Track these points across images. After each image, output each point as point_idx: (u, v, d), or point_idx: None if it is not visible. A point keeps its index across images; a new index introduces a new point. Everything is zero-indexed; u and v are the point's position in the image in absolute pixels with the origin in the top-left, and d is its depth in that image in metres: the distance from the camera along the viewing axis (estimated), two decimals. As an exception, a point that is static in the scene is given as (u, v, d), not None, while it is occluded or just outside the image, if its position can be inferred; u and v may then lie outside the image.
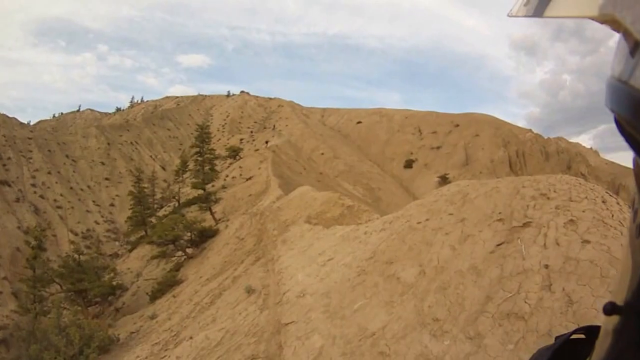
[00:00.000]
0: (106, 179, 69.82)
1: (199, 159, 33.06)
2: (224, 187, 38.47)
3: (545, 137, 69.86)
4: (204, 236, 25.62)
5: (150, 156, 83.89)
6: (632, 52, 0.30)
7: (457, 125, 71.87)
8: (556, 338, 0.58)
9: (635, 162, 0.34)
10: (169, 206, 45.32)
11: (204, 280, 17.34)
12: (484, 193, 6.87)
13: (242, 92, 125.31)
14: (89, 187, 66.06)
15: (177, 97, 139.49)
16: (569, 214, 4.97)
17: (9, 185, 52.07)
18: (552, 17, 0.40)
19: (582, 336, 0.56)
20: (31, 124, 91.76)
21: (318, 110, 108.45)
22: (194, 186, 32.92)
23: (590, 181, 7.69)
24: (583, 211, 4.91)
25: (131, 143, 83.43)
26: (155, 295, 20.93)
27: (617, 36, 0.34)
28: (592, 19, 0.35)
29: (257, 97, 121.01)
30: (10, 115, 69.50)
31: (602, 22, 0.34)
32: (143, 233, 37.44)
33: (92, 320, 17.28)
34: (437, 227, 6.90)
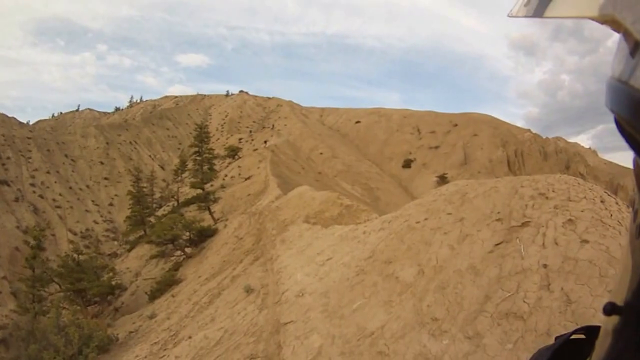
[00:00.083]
0: (105, 178, 69.75)
1: (198, 158, 33.04)
2: (222, 186, 38.45)
3: (544, 137, 69.91)
4: (203, 236, 25.61)
5: (149, 156, 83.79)
6: (632, 53, 0.30)
7: (456, 125, 71.89)
8: (556, 338, 0.58)
9: (635, 163, 0.34)
10: (168, 206, 45.26)
11: (203, 280, 17.33)
12: (483, 193, 6.87)
13: (241, 91, 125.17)
14: (87, 186, 65.96)
15: (176, 96, 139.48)
16: (568, 213, 4.98)
17: (8, 185, 51.97)
18: (553, 18, 0.40)
19: (582, 336, 0.56)
20: (30, 123, 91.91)
21: (317, 109, 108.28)
22: (193, 186, 32.90)
23: (589, 181, 7.70)
24: (582, 211, 4.92)
25: (130, 143, 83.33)
26: (154, 294, 20.91)
27: (616, 36, 0.34)
28: (593, 19, 0.34)
29: (256, 96, 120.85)
30: (10, 115, 69.53)
31: (602, 23, 0.34)
32: (142, 233, 37.38)
33: (91, 319, 17.24)
34: (436, 227, 6.91)
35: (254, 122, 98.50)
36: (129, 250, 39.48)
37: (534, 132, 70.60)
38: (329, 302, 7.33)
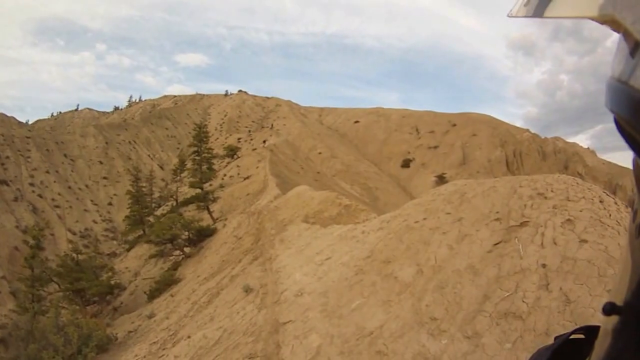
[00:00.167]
0: (104, 178, 69.67)
1: (197, 158, 33.00)
2: (221, 186, 38.42)
3: (543, 137, 70.10)
4: (202, 235, 25.60)
5: (148, 155, 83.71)
6: (632, 53, 0.30)
7: (455, 125, 72.01)
8: (555, 338, 0.58)
9: (634, 163, 0.34)
10: (167, 205, 45.18)
11: (202, 280, 17.32)
12: (482, 192, 6.88)
13: (240, 91, 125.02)
14: (87, 186, 65.87)
15: (175, 96, 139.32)
16: (567, 213, 4.99)
17: (7, 185, 51.87)
18: (552, 18, 0.40)
19: (582, 336, 0.56)
20: (29, 123, 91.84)
21: (316, 109, 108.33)
22: (192, 185, 32.86)
23: (588, 181, 7.71)
24: (580, 211, 4.93)
25: (129, 142, 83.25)
26: (153, 294, 20.90)
27: (615, 36, 0.33)
28: (592, 19, 0.34)
29: (255, 96, 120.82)
30: (9, 114, 69.34)
31: (602, 23, 0.34)
32: (141, 232, 37.37)
33: (90, 319, 17.20)
34: (435, 227, 6.91)
35: (253, 121, 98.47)
36: (128, 250, 39.47)
37: (532, 132, 70.85)
38: (327, 301, 7.33)
